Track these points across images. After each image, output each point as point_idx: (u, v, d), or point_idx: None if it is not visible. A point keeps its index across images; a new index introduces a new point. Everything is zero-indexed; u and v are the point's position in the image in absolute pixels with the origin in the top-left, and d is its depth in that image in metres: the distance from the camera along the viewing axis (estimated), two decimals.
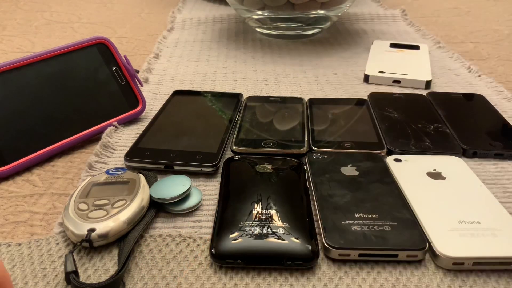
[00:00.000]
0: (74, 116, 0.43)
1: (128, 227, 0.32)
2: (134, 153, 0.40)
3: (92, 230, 0.30)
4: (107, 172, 0.36)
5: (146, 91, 0.56)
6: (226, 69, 0.63)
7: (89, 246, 0.31)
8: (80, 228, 0.30)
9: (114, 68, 0.47)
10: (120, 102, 0.47)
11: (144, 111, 0.51)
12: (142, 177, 0.36)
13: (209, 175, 0.39)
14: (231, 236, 0.30)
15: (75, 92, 0.44)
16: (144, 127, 0.46)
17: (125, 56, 0.47)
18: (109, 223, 0.31)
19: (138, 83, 0.49)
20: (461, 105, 0.51)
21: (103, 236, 0.30)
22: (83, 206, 0.32)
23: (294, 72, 0.62)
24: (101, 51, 0.47)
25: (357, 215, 0.32)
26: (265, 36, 0.76)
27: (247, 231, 0.30)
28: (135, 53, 0.70)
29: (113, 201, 0.33)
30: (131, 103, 0.48)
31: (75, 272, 0.27)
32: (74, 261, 0.28)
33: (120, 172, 0.36)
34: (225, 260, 0.29)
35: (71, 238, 0.31)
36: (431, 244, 0.30)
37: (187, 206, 0.34)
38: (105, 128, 0.45)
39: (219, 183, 0.37)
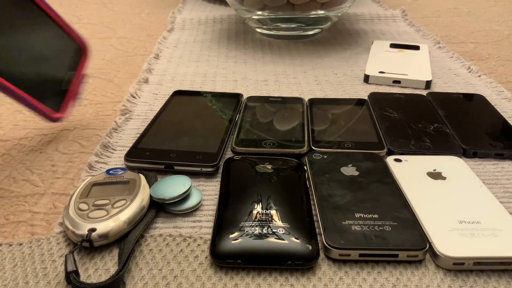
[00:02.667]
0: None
1: (129, 227, 0.32)
2: (134, 153, 0.40)
3: (93, 230, 0.30)
4: (107, 172, 0.36)
5: (146, 91, 0.56)
6: (226, 70, 0.63)
7: (89, 246, 0.31)
8: (81, 228, 0.30)
9: None
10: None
11: (145, 112, 0.51)
12: (142, 177, 0.36)
13: (209, 175, 0.39)
14: (231, 236, 0.30)
15: None
16: (144, 127, 0.46)
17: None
18: (110, 223, 0.31)
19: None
20: (461, 105, 0.51)
21: (104, 236, 0.30)
22: (83, 206, 0.32)
23: (294, 73, 0.62)
24: None
25: (357, 215, 0.32)
26: (265, 36, 0.76)
27: (247, 231, 0.30)
28: (135, 53, 0.70)
29: (114, 201, 0.33)
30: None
31: (76, 272, 0.27)
32: (75, 260, 0.28)
33: (120, 172, 0.36)
34: (225, 260, 0.29)
35: (72, 238, 0.31)
36: (432, 244, 0.30)
37: (187, 206, 0.35)
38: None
39: (219, 183, 0.37)
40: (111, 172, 0.36)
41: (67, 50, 0.43)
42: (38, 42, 0.40)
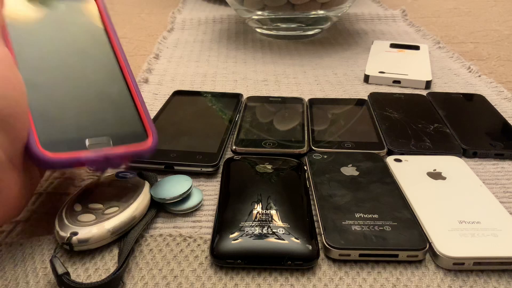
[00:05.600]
0: None
1: (112, 237, 0.31)
2: None
3: (74, 233, 0.30)
4: (116, 174, 0.36)
5: (146, 91, 0.56)
6: (226, 70, 0.63)
7: (69, 249, 0.30)
8: (65, 230, 0.30)
9: None
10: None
11: None
12: (146, 184, 0.35)
13: (209, 175, 0.39)
14: (231, 236, 0.30)
15: None
16: None
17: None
18: (92, 229, 0.30)
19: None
20: (461, 105, 0.51)
21: (83, 241, 0.30)
22: (77, 207, 0.32)
23: (294, 73, 0.62)
24: None
25: (357, 215, 0.32)
26: (265, 36, 0.76)
27: (247, 231, 0.30)
28: (135, 53, 0.70)
29: (106, 206, 0.32)
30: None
31: (67, 273, 0.27)
32: (62, 262, 0.28)
33: (128, 176, 0.36)
34: (225, 260, 0.29)
35: (56, 238, 0.30)
36: (432, 244, 0.30)
37: (188, 206, 0.35)
38: None
39: (219, 183, 0.38)
40: (120, 175, 0.36)
41: (125, 125, 0.33)
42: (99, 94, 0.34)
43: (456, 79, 0.60)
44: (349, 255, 0.30)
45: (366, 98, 0.53)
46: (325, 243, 0.30)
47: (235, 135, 0.44)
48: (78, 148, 0.30)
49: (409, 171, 0.38)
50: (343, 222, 0.32)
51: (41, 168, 0.30)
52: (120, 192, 0.34)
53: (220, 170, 0.39)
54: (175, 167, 0.39)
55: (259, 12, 0.70)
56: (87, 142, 0.31)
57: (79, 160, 0.30)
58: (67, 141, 0.30)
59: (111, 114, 0.33)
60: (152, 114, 0.50)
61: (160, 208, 0.35)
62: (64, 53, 0.34)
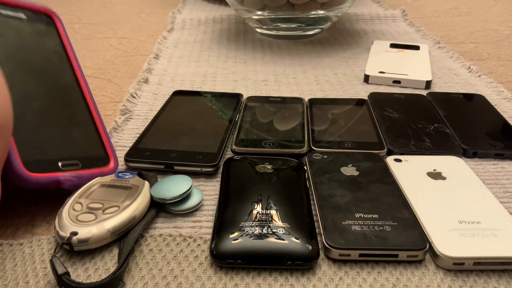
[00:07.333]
0: None
1: (112, 237, 0.31)
2: (134, 153, 0.40)
3: (74, 233, 0.30)
4: (116, 174, 0.36)
5: (146, 91, 0.56)
6: (226, 70, 0.63)
7: (69, 249, 0.30)
8: (64, 230, 0.30)
9: None
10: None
11: (145, 112, 0.51)
12: (146, 184, 0.35)
13: (209, 175, 0.39)
14: (231, 236, 0.30)
15: None
16: (144, 127, 0.46)
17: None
18: (92, 229, 0.30)
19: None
20: (461, 105, 0.51)
21: (83, 241, 0.30)
22: (77, 207, 0.32)
23: (294, 73, 0.62)
24: None
25: (357, 215, 0.32)
26: (265, 36, 0.76)
27: (247, 231, 0.30)
28: (135, 53, 0.70)
29: (106, 206, 0.32)
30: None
31: (67, 273, 0.27)
32: (62, 262, 0.28)
33: (128, 176, 0.36)
34: (225, 260, 0.29)
35: (56, 238, 0.30)
36: (432, 244, 0.30)
37: (188, 206, 0.34)
38: None
39: (219, 183, 0.38)
40: (120, 175, 0.36)
41: (90, 150, 0.38)
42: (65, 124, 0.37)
43: (456, 79, 0.60)
44: (349, 255, 0.30)
45: (366, 98, 0.53)
46: (325, 243, 0.30)
47: (235, 135, 0.44)
48: (53, 170, 0.34)
49: (409, 171, 0.38)
50: (343, 222, 0.32)
51: (20, 186, 0.33)
52: (120, 192, 0.34)
53: (220, 170, 0.39)
54: (175, 167, 0.39)
55: (259, 12, 0.70)
56: (60, 164, 0.35)
57: (57, 179, 0.34)
58: (43, 162, 0.34)
59: (78, 140, 0.38)
60: (152, 114, 0.50)
61: (160, 208, 0.35)
62: (33, 82, 0.36)
